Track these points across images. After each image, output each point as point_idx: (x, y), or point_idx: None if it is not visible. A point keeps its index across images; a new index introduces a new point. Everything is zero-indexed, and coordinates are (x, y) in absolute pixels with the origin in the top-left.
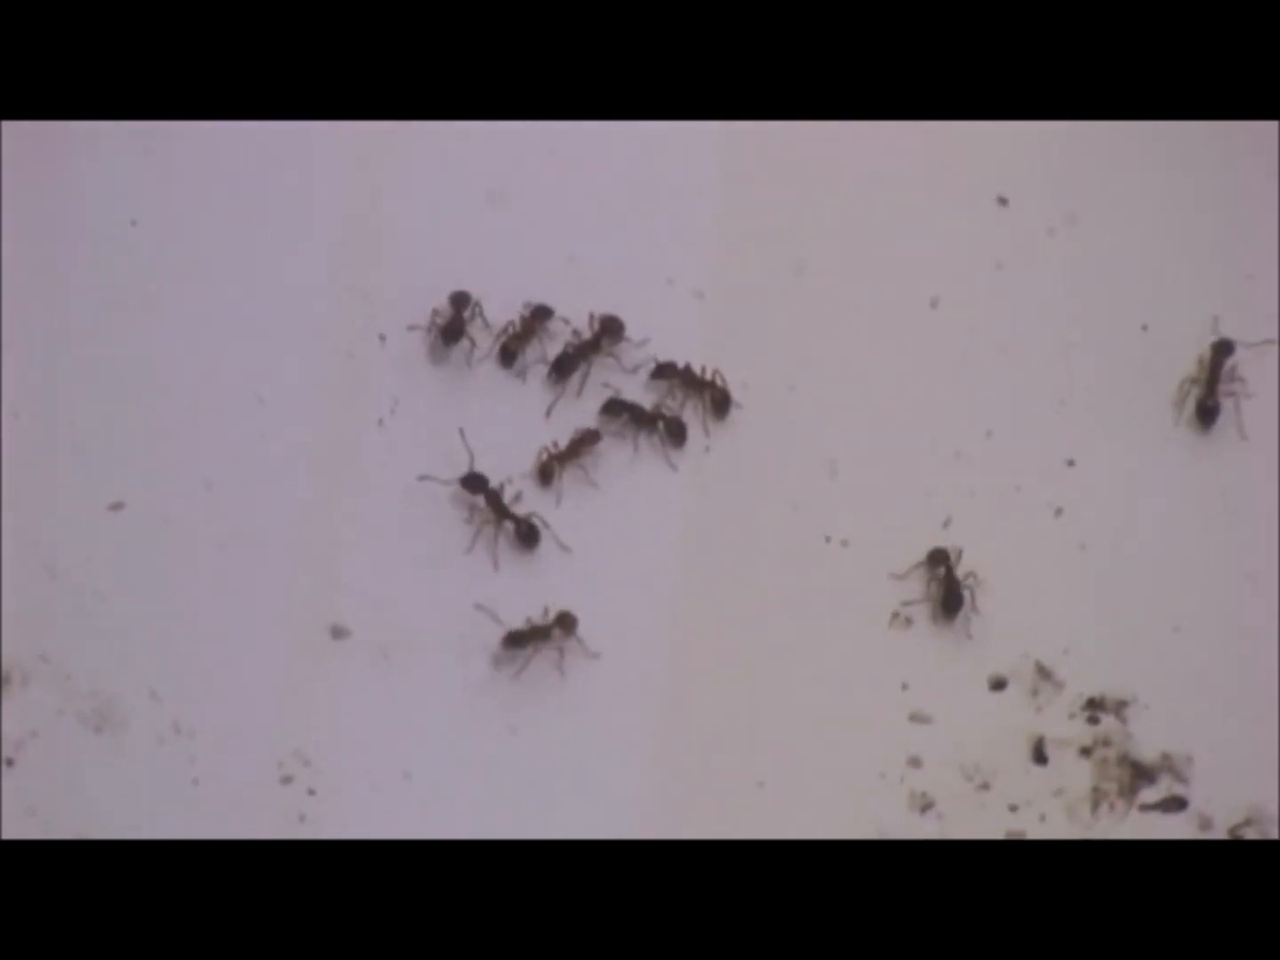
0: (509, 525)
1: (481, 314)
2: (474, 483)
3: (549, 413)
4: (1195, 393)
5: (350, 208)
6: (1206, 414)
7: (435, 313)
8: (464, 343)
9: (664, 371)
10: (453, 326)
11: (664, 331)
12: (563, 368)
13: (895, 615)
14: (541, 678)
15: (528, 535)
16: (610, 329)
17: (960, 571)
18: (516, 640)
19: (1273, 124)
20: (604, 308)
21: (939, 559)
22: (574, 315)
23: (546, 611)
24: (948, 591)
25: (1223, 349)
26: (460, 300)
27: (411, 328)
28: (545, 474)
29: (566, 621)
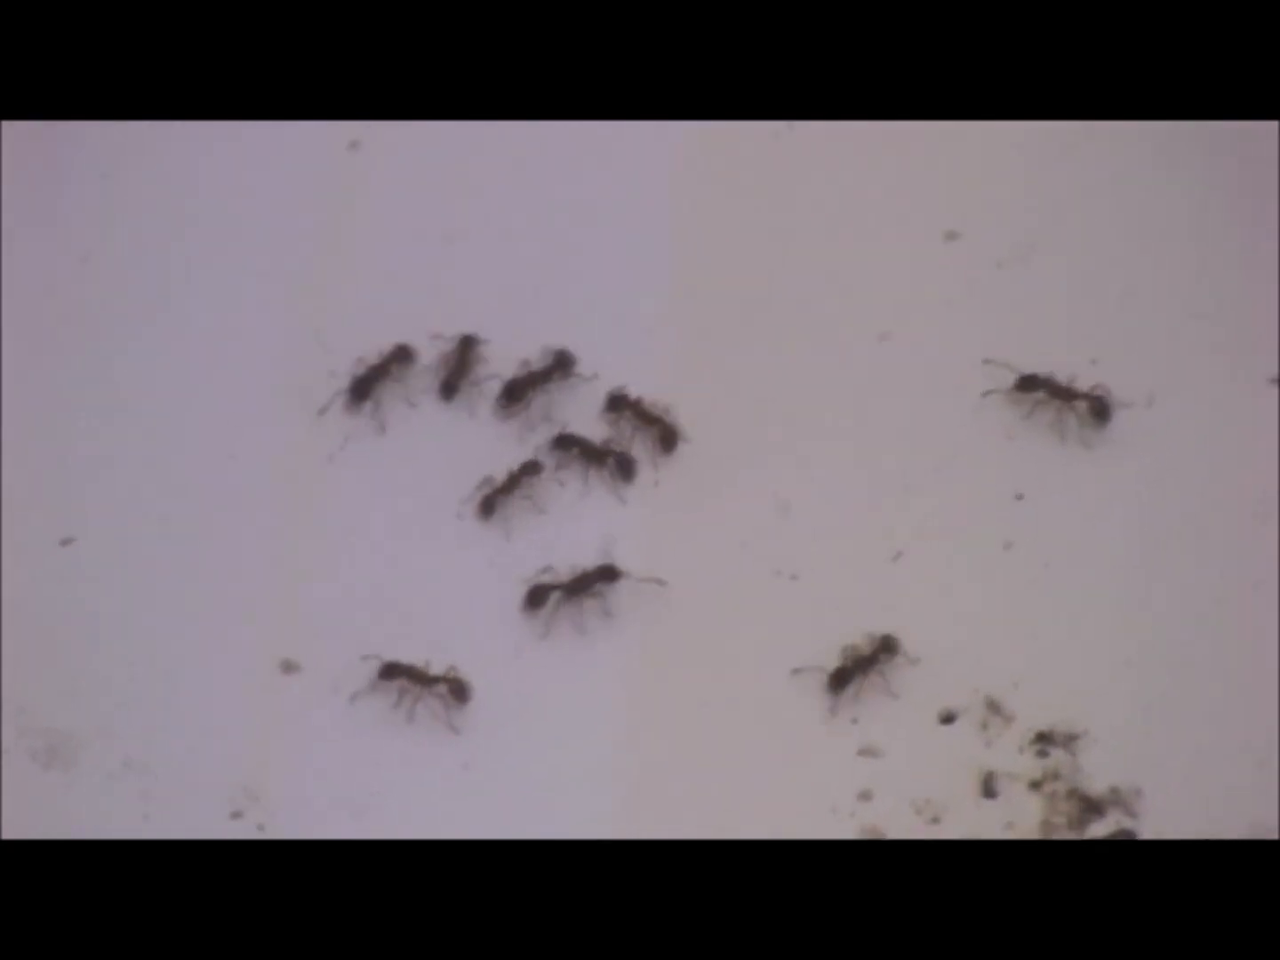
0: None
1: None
2: (390, 672)
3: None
4: (1078, 404)
5: (303, 242)
6: (1100, 412)
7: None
8: (395, 386)
9: (616, 404)
10: (360, 383)
11: (616, 366)
12: (512, 393)
13: (845, 648)
14: (494, 714)
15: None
16: (562, 362)
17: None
18: (389, 672)
19: (1233, 163)
20: (556, 342)
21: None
22: (527, 349)
23: (452, 669)
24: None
25: (1029, 385)
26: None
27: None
28: (486, 508)
29: (456, 688)
